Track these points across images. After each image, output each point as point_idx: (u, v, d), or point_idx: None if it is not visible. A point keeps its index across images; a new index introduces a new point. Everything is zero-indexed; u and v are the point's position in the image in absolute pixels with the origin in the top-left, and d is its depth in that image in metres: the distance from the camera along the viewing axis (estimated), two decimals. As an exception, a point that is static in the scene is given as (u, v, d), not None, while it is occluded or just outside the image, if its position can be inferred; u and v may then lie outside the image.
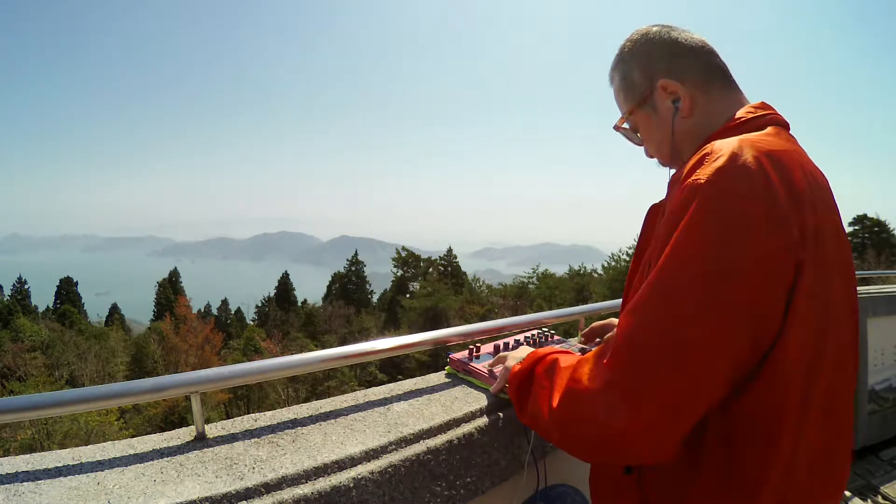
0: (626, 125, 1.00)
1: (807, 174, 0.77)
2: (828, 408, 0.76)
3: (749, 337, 0.69)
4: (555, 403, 0.78)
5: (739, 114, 0.85)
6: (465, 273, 34.64)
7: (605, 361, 0.71)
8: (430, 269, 33.14)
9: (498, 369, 1.17)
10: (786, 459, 0.73)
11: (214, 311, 47.74)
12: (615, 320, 1.40)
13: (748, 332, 0.68)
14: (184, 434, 0.94)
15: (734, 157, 0.71)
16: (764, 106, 0.86)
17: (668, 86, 0.88)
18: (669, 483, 0.80)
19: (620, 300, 1.15)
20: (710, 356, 0.67)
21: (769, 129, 0.81)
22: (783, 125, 0.85)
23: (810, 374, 0.73)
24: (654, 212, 0.91)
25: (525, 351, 1.06)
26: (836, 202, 0.83)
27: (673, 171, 0.96)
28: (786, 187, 0.71)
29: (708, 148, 0.75)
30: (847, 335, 0.79)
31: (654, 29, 0.93)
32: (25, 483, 0.76)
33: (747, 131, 0.80)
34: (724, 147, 0.73)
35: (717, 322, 0.67)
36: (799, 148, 0.82)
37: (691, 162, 0.75)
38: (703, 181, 0.69)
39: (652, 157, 1.00)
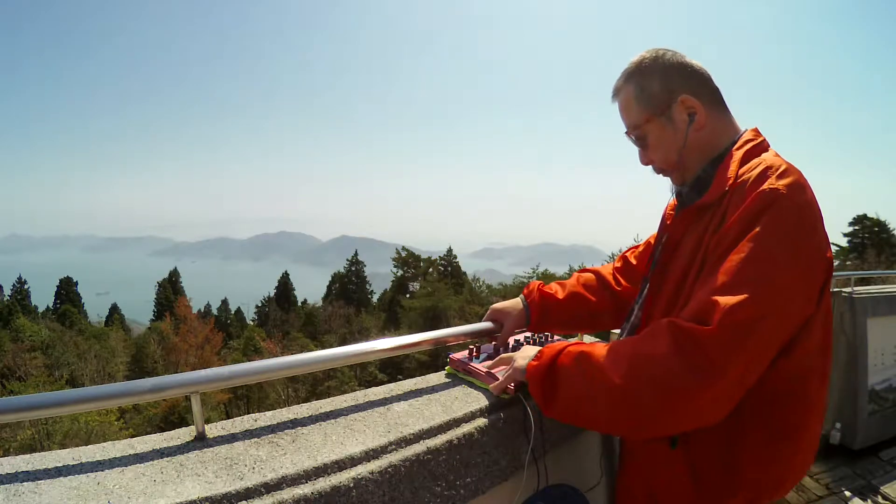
0: (636, 132, 1.08)
1: None
2: (827, 365, 0.96)
3: (800, 322, 0.86)
4: (616, 380, 0.84)
5: (747, 136, 1.00)
6: (465, 273, 34.63)
7: (698, 331, 0.79)
8: (430, 269, 33.13)
9: (499, 370, 1.17)
10: (819, 409, 0.94)
11: (214, 311, 47.72)
12: (505, 305, 1.38)
13: (802, 318, 0.86)
14: (184, 434, 0.94)
15: (797, 174, 0.88)
16: (758, 132, 1.02)
17: (687, 101, 1.00)
18: (716, 446, 0.92)
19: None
20: (783, 330, 0.83)
21: (773, 151, 0.98)
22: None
23: (826, 341, 0.93)
24: (690, 214, 1.01)
25: (533, 350, 1.06)
26: None
27: (665, 177, 1.11)
28: (816, 201, 0.89)
29: (763, 162, 0.91)
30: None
31: (669, 53, 1.04)
32: (25, 483, 0.76)
33: (762, 150, 0.97)
34: (780, 163, 0.90)
35: (794, 303, 0.83)
36: None
37: (754, 174, 0.89)
38: (783, 191, 0.84)
39: (647, 164, 1.09)
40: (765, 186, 0.85)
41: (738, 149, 0.97)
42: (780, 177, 0.86)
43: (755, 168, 0.90)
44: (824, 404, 0.98)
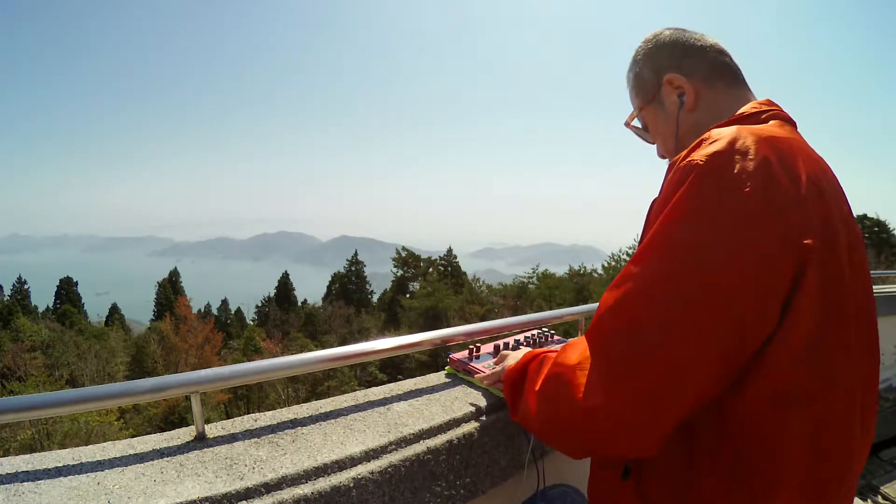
0: (636, 122, 1.02)
1: (810, 161, 0.75)
2: (845, 403, 0.71)
3: (738, 328, 0.64)
4: (537, 387, 0.80)
5: (743, 109, 0.85)
6: (465, 273, 34.61)
7: (587, 336, 0.72)
8: (430, 269, 33.12)
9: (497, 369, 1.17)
10: (803, 460, 0.69)
11: (214, 311, 47.71)
12: None
13: (738, 323, 0.64)
14: (184, 434, 0.94)
15: (732, 142, 0.69)
16: (769, 102, 0.86)
17: (674, 80, 0.90)
18: (669, 486, 0.76)
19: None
20: (695, 342, 0.64)
21: (772, 123, 0.80)
22: (788, 121, 0.84)
23: (816, 373, 0.69)
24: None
25: (523, 352, 1.06)
26: (843, 190, 0.80)
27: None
28: (788, 174, 0.69)
29: (706, 134, 0.74)
30: (859, 333, 0.74)
31: (667, 32, 0.94)
32: (25, 483, 0.76)
33: (749, 124, 0.79)
34: (722, 132, 0.72)
35: (705, 306, 0.64)
36: (801, 138, 0.81)
37: (688, 148, 0.74)
38: (698, 162, 0.68)
39: (664, 156, 0.99)
40: (684, 161, 0.70)
41: (722, 123, 0.82)
42: (705, 149, 0.69)
43: (697, 140, 0.74)
44: (824, 443, 0.70)
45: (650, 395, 0.66)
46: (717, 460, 0.71)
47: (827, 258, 0.68)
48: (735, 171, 0.66)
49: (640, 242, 0.89)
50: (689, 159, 0.70)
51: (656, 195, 0.90)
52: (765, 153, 0.68)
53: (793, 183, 0.69)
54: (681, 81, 0.89)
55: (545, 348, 1.01)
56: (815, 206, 0.69)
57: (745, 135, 0.70)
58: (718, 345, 0.65)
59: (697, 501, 0.73)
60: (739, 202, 0.65)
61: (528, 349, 1.08)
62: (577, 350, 0.75)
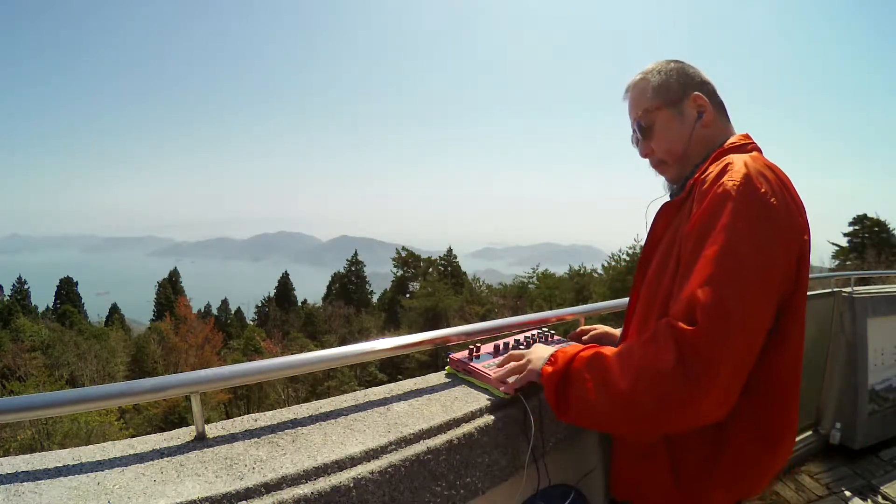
0: (645, 118, 1.14)
1: (789, 180, 0.98)
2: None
3: (779, 297, 0.90)
4: (623, 387, 0.87)
5: (733, 139, 1.07)
6: (465, 273, 34.57)
7: (689, 333, 0.82)
8: (430, 269, 33.10)
9: (508, 367, 1.16)
10: (795, 406, 0.98)
11: (214, 311, 47.67)
12: (611, 330, 1.41)
13: (777, 295, 0.90)
14: (184, 434, 0.94)
15: (751, 167, 0.92)
16: (748, 137, 1.09)
17: (699, 98, 1.09)
18: (698, 440, 0.94)
19: (620, 300, 1.19)
20: (763, 320, 0.87)
21: (755, 153, 1.03)
22: (760, 150, 1.07)
23: (801, 330, 0.98)
24: (670, 209, 1.07)
25: (546, 350, 1.08)
26: None
27: (660, 174, 1.15)
28: (787, 190, 0.95)
29: (727, 160, 0.96)
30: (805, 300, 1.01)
31: (686, 63, 1.14)
32: (25, 483, 0.76)
33: (742, 153, 1.01)
34: (739, 160, 0.94)
35: (767, 291, 0.87)
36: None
37: (714, 172, 0.95)
38: (738, 185, 0.89)
39: (647, 156, 1.15)
40: (723, 180, 0.91)
41: (720, 150, 1.04)
42: (735, 174, 0.91)
43: (718, 166, 0.96)
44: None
45: (741, 372, 0.84)
46: (741, 413, 0.89)
47: (807, 249, 0.96)
48: (763, 190, 0.90)
49: (651, 240, 1.08)
50: (724, 183, 0.90)
51: (656, 199, 1.15)
52: (771, 176, 0.94)
53: (790, 196, 0.95)
54: (704, 101, 1.09)
55: (574, 346, 1.04)
56: (801, 213, 0.97)
57: (758, 162, 0.95)
58: (771, 318, 0.89)
59: (723, 453, 0.93)
60: (772, 211, 0.89)
61: (549, 347, 1.10)
62: (651, 346, 0.86)
